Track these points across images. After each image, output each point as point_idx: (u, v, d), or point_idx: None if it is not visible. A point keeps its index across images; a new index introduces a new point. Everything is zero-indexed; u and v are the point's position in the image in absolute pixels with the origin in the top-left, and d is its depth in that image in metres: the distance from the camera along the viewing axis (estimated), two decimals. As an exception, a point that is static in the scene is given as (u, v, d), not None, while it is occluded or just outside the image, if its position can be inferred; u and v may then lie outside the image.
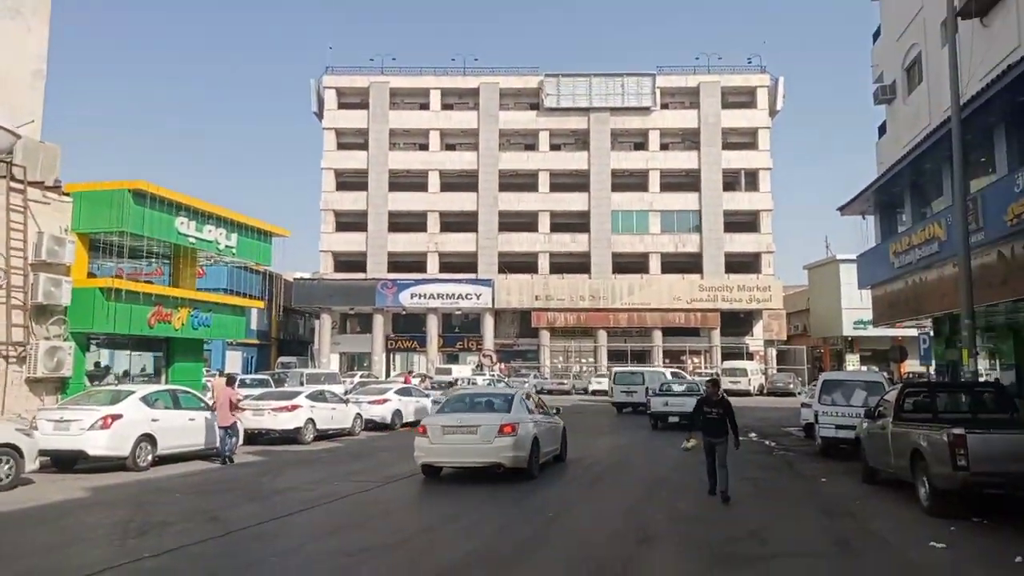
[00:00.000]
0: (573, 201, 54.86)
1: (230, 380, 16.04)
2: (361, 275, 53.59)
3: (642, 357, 52.95)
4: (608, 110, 54.95)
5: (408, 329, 55.10)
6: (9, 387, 16.60)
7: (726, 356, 50.63)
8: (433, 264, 54.39)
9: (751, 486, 12.14)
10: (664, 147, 55.87)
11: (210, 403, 15.74)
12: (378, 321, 53.09)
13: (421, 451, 12.31)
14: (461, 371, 42.99)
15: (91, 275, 19.53)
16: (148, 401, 13.83)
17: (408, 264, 54.78)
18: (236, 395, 15.52)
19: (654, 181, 54.89)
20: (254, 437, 18.87)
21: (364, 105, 55.75)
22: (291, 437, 18.78)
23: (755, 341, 53.68)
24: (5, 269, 16.47)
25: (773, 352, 54.08)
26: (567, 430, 15.44)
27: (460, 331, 54.85)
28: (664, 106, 55.71)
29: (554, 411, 15.13)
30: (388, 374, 50.83)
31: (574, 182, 55.32)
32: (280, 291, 55.14)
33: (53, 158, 18.43)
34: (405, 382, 24.33)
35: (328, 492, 11.39)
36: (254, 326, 59.36)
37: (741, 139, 55.92)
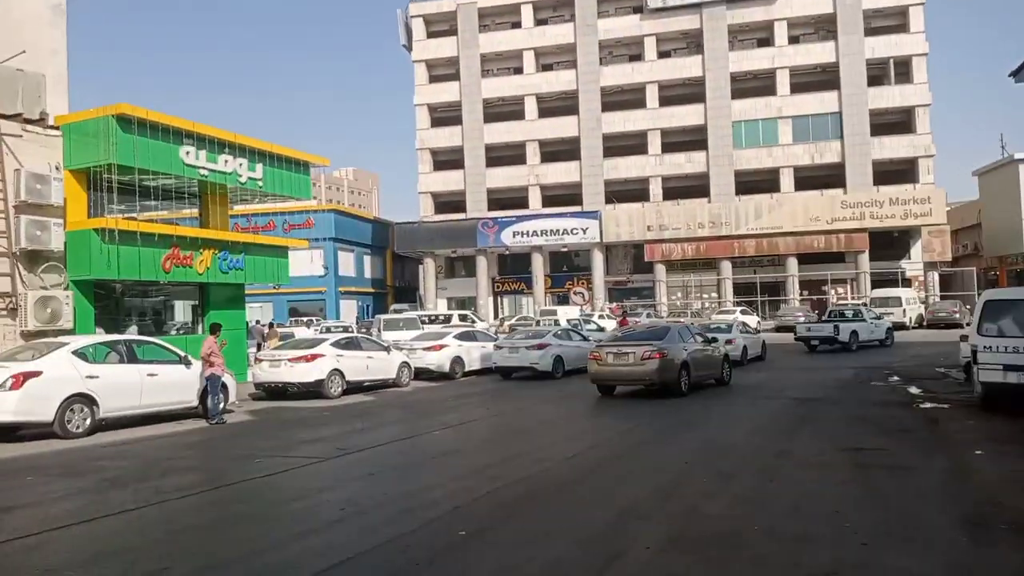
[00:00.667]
0: (687, 115, 48.80)
1: (213, 329, 13.50)
2: (461, 215, 51.01)
3: (774, 289, 46.91)
4: (724, 2, 47.80)
5: (515, 270, 52.23)
6: (2, 342, 15.13)
7: (877, 284, 43.56)
8: (535, 198, 50.72)
9: (851, 460, 7.93)
10: (793, 40, 48.10)
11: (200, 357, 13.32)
12: (481, 263, 50.49)
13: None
14: (569, 313, 39.40)
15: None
16: (84, 355, 11.52)
17: (509, 200, 51.50)
18: (211, 346, 12.99)
19: (783, 82, 47.54)
20: (276, 392, 16.60)
21: (453, 31, 52.18)
22: (315, 391, 16.30)
23: (913, 265, 45.93)
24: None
25: (935, 277, 46.05)
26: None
27: (568, 270, 51.20)
28: (791, -9, 47.93)
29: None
30: (496, 317, 48.44)
31: (687, 93, 49.11)
32: (394, 238, 53.98)
33: (36, 88, 16.48)
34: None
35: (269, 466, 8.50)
36: (368, 274, 59.07)
37: (888, 22, 47.04)
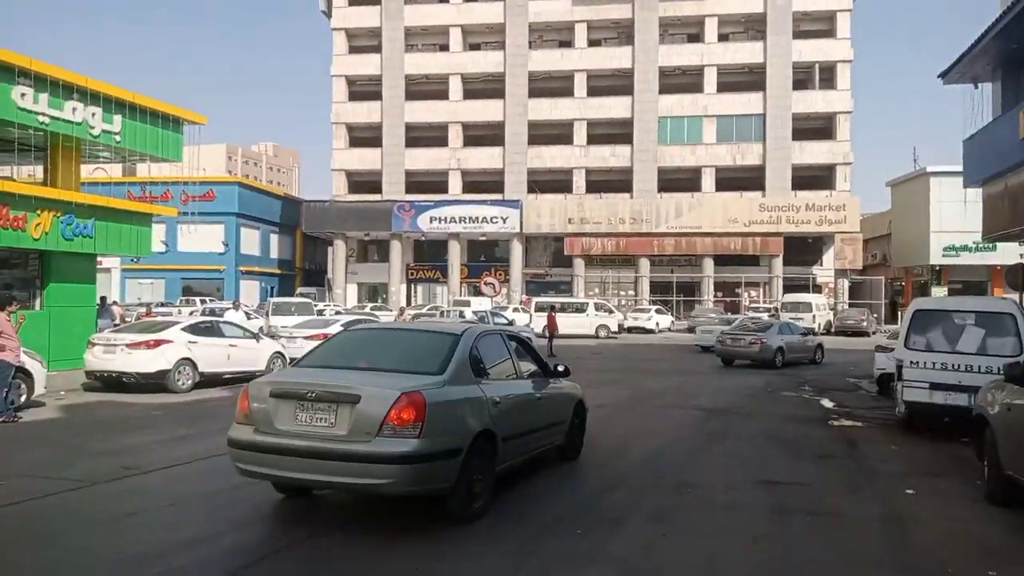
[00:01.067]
0: (614, 107, 47.67)
1: (2, 301, 10.89)
2: (376, 196, 48.38)
3: (690, 289, 46.48)
4: (658, -7, 46.86)
5: (431, 257, 50.04)
6: None
7: (789, 288, 43.66)
8: (455, 183, 48.61)
9: (766, 499, 6.41)
10: (723, 38, 47.58)
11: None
12: (396, 248, 48.04)
13: None
14: (482, 304, 37.53)
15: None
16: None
17: (428, 184, 49.19)
18: (1, 324, 10.45)
19: (710, 80, 46.99)
20: (113, 383, 14.05)
21: (377, 1, 49.32)
22: (159, 383, 13.87)
23: (824, 272, 46.31)
24: None
25: (845, 284, 46.63)
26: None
27: (486, 260, 49.34)
28: (724, -12, 47.49)
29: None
30: (410, 305, 46.16)
31: (616, 84, 47.97)
32: (303, 217, 50.71)
33: None
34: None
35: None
36: (275, 254, 55.49)
37: (816, 26, 47.11)
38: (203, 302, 37.71)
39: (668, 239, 45.53)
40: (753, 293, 46.72)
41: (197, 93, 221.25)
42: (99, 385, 14.33)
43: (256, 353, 16.26)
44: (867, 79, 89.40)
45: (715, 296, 45.42)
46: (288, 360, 17.38)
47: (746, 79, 47.14)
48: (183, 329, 14.70)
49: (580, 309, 35.98)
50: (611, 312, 37.05)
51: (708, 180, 46.86)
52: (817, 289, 44.20)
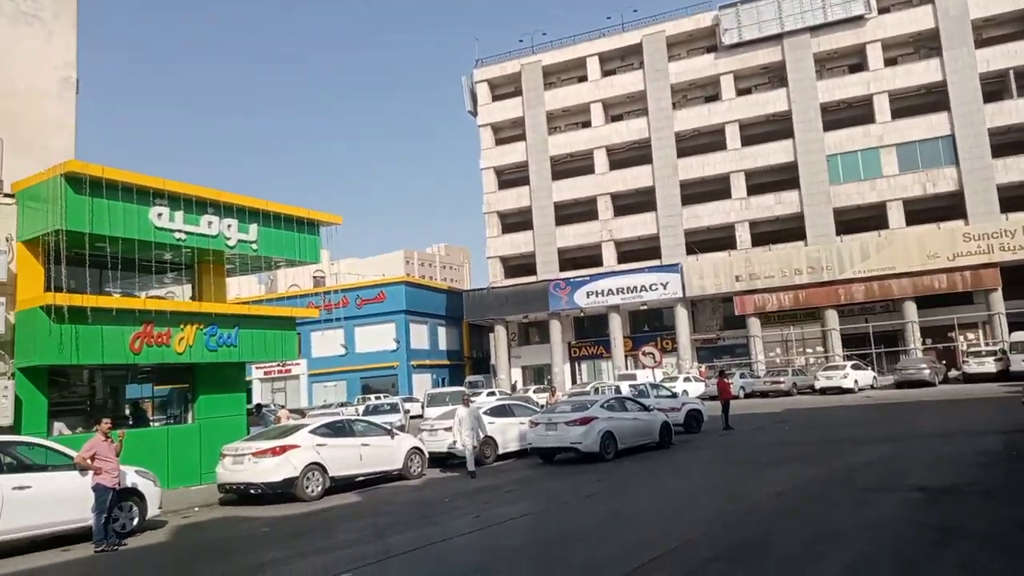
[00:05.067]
0: (773, 153, 44.27)
1: (100, 424, 10.36)
2: (531, 278, 47.89)
3: (891, 339, 40.65)
4: (807, 31, 43.58)
5: (592, 333, 48.28)
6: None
7: (1016, 326, 36.67)
8: (609, 255, 47.00)
9: None
10: (890, 62, 43.06)
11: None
12: (555, 327, 46.87)
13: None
14: (647, 376, 34.97)
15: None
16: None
17: (581, 259, 48.02)
18: (94, 447, 9.89)
19: (882, 108, 42.40)
20: (242, 495, 13.44)
21: (518, 92, 50.40)
22: (287, 493, 13.09)
23: (1063, 301, 38.66)
24: None
25: (1092, 314, 38.55)
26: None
27: (650, 330, 46.68)
28: (883, 10, 43.23)
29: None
30: (575, 383, 44.45)
31: (772, 130, 44.72)
32: (465, 305, 51.43)
33: (-12, 154, 14.85)
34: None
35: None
36: (443, 346, 56.53)
37: (1002, 30, 41.37)
38: (378, 398, 38.46)
39: (856, 285, 40.49)
40: (971, 335, 39.95)
41: (372, 205, 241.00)
42: (234, 498, 13.86)
43: (391, 451, 15.25)
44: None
45: (923, 343, 39.29)
46: (427, 455, 16.26)
47: (925, 100, 42.14)
48: (311, 432, 13.97)
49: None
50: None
51: (896, 215, 41.56)
52: (1056, 324, 36.80)
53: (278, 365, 49.26)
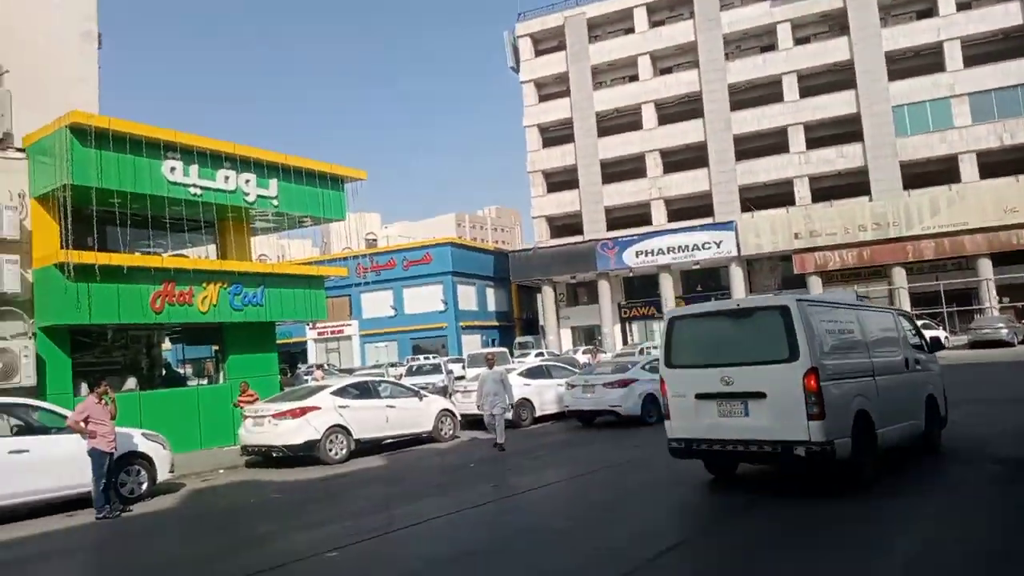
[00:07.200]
0: (834, 105, 41.57)
1: (94, 386, 9.84)
2: (578, 238, 46.56)
3: (964, 298, 38.15)
4: (871, -26, 40.55)
5: (643, 293, 46.81)
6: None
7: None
8: (659, 213, 45.25)
9: None
10: (963, 7, 39.75)
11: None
12: (604, 288, 45.57)
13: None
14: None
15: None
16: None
17: (630, 218, 46.38)
18: (86, 409, 9.32)
19: (953, 55, 39.25)
20: (266, 456, 12.99)
21: (562, 47, 48.52)
22: (309, 456, 12.54)
23: None
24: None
25: None
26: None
27: (703, 290, 44.93)
28: (958, -52, 39.88)
29: None
30: (625, 344, 43.33)
31: (833, 80, 41.94)
32: (511, 266, 50.47)
33: None
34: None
35: None
36: (492, 307, 55.77)
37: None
38: (426, 359, 38.02)
39: (926, 242, 37.98)
40: (1052, 296, 37.15)
41: (431, 172, 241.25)
42: (260, 460, 13.38)
43: (419, 413, 14.57)
44: None
45: (1000, 301, 36.75)
46: (458, 417, 15.54)
47: (1003, 46, 38.94)
48: (332, 393, 13.37)
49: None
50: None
51: (969, 168, 38.65)
52: None
53: (331, 326, 49.50)
